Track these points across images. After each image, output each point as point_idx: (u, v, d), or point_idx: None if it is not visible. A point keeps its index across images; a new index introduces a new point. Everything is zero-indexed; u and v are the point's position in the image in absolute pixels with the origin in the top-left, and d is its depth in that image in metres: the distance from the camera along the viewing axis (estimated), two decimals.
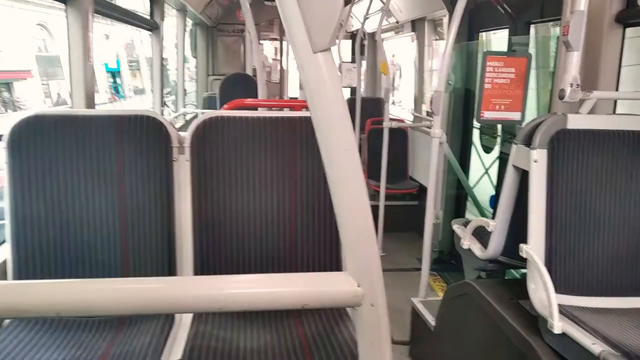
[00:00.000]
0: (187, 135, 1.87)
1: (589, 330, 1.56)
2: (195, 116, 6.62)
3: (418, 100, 6.08)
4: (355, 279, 0.72)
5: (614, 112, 2.40)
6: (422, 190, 5.00)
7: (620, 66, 2.29)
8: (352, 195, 0.70)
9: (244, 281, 0.75)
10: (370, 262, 0.72)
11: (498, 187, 3.97)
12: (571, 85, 1.88)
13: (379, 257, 0.73)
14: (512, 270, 3.27)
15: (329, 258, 1.94)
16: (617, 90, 2.34)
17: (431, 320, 2.89)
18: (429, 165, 2.98)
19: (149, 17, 4.37)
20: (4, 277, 1.76)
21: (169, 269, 1.86)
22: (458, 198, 4.53)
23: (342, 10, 0.65)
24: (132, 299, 0.69)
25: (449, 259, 4.50)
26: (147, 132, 1.82)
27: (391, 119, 4.66)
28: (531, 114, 2.82)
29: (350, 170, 0.69)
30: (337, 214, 0.72)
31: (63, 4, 2.32)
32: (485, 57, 2.62)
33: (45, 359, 1.54)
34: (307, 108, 2.29)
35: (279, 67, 8.15)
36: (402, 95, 9.38)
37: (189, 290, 0.70)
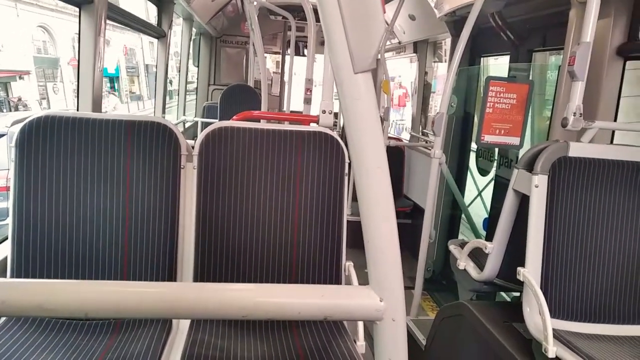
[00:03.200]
0: (195, 143, 1.88)
1: (582, 355, 1.58)
2: (195, 124, 6.66)
3: (416, 120, 6.15)
4: (378, 294, 0.73)
5: (611, 142, 2.46)
6: (416, 209, 5.02)
7: (619, 97, 2.34)
8: (381, 211, 0.72)
9: (267, 290, 0.75)
10: (393, 278, 0.73)
11: (492, 209, 4.00)
12: (574, 114, 1.93)
13: (401, 273, 0.74)
14: (502, 293, 3.29)
15: (329, 273, 1.94)
16: (615, 120, 2.40)
17: (422, 339, 2.89)
18: (424, 184, 3.00)
19: (156, 25, 4.41)
20: (4, 274, 1.75)
21: (169, 275, 1.85)
22: (452, 219, 4.56)
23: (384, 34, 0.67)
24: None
25: (439, 279, 4.52)
26: (156, 138, 1.83)
27: (389, 138, 4.70)
28: (526, 138, 2.87)
29: (380, 187, 0.71)
30: (364, 228, 0.73)
31: (77, 8, 2.35)
32: (488, 81, 2.67)
33: None
34: (315, 122, 2.30)
35: (279, 80, 8.23)
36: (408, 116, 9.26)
37: (213, 297, 0.70)
